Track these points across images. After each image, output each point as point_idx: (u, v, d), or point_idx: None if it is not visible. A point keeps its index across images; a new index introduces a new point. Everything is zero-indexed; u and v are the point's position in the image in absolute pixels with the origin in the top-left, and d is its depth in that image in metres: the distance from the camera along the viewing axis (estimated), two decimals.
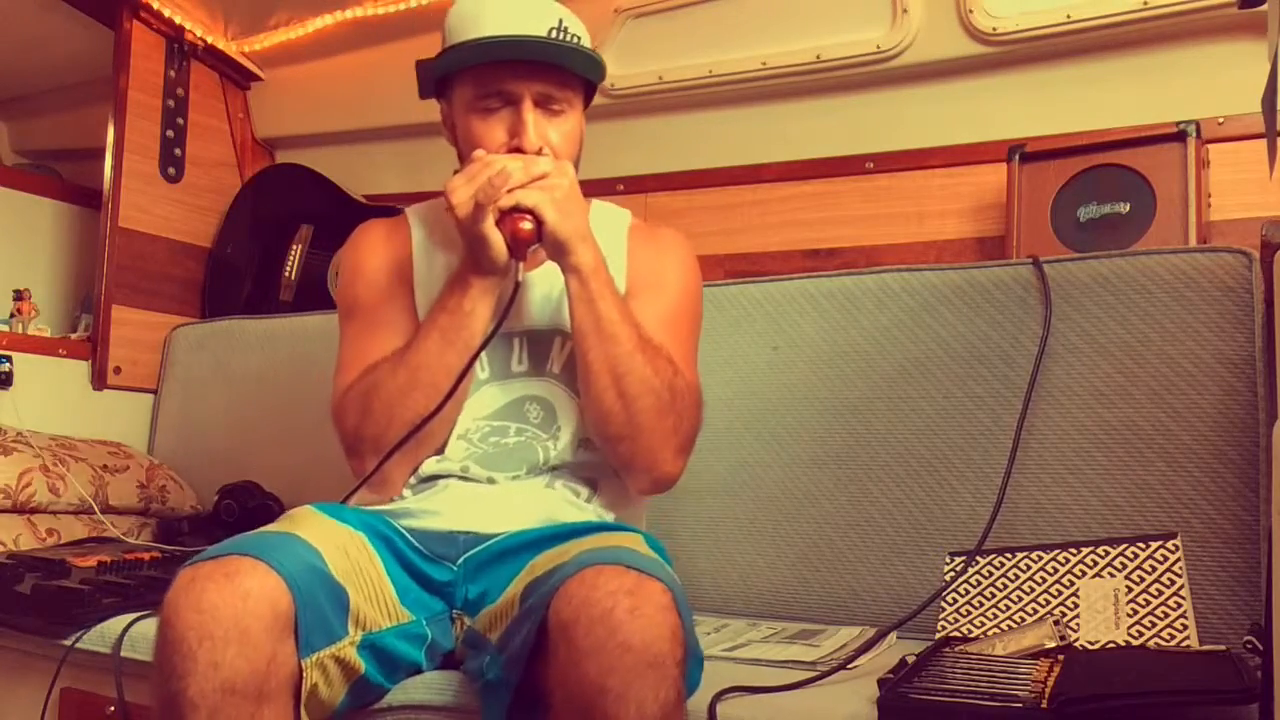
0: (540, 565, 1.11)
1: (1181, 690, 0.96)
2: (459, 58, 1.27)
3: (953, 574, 1.39)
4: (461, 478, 1.28)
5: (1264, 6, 1.02)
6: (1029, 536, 1.40)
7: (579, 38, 1.29)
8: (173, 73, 2.34)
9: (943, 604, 1.36)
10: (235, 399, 2.17)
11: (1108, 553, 1.32)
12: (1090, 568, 1.32)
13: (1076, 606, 1.28)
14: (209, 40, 2.39)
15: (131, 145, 2.24)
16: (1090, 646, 1.22)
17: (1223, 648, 1.16)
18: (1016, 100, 1.82)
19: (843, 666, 1.16)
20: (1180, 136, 1.60)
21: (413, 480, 1.30)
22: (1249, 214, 1.62)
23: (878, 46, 1.86)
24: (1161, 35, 1.69)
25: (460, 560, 1.21)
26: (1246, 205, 1.64)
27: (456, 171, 1.26)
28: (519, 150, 1.25)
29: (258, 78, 2.51)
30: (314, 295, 2.27)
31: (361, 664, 1.06)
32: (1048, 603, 1.30)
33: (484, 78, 1.26)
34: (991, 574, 1.37)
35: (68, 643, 1.37)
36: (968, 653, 1.17)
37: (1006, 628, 1.28)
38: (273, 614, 0.96)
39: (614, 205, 1.47)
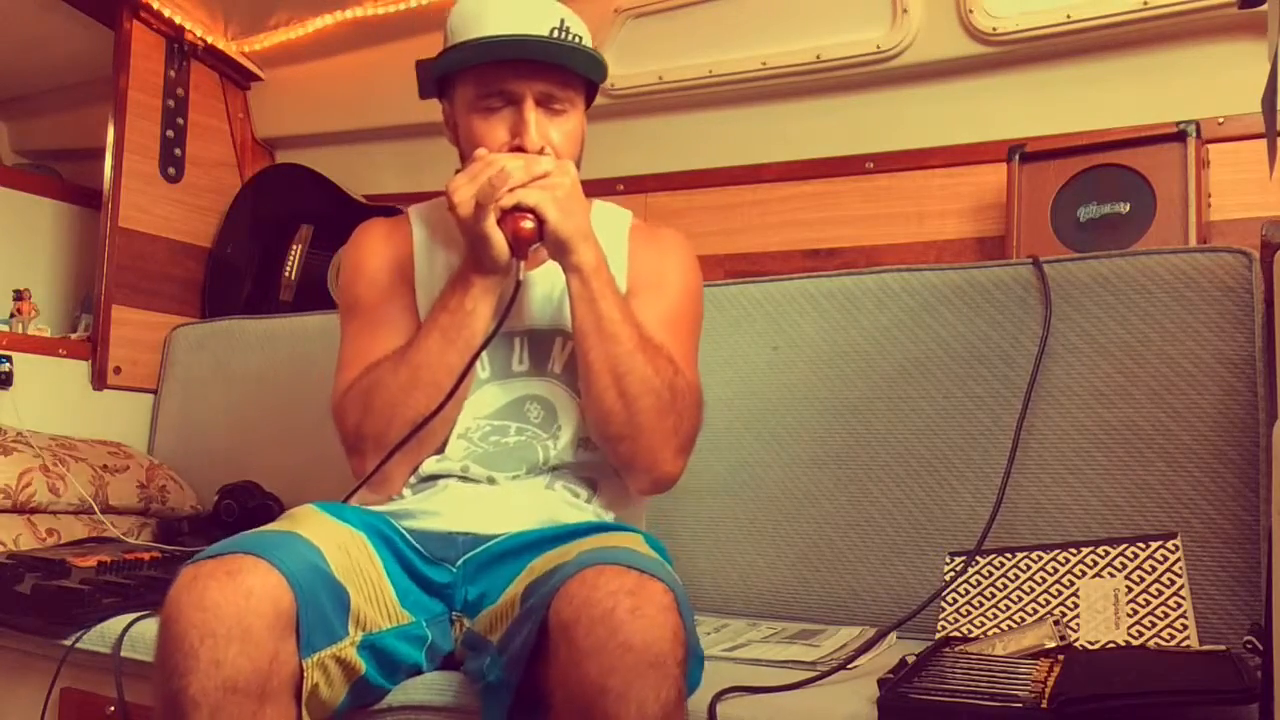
0: (540, 566, 1.11)
1: (1181, 690, 0.96)
2: (461, 57, 1.27)
3: (953, 574, 1.39)
4: (461, 477, 1.28)
5: (1264, 6, 1.02)
6: (1029, 536, 1.40)
7: (581, 37, 1.29)
8: (173, 73, 2.34)
9: (943, 604, 1.36)
10: (235, 399, 2.17)
11: (1108, 553, 1.32)
12: (1090, 568, 1.32)
13: (1076, 606, 1.28)
14: (209, 40, 2.39)
15: (131, 145, 2.24)
16: (1090, 646, 1.22)
17: (1223, 648, 1.16)
18: (1016, 100, 1.82)
19: (843, 666, 1.16)
20: (1180, 136, 1.60)
21: (412, 480, 1.30)
22: (1249, 214, 1.62)
23: (878, 46, 1.86)
24: (1161, 35, 1.69)
25: (460, 562, 1.21)
26: (1246, 205, 1.64)
27: (458, 171, 1.26)
28: (521, 150, 1.25)
29: (258, 78, 2.51)
30: (314, 295, 2.27)
31: (362, 664, 1.06)
32: (1048, 603, 1.30)
33: (486, 77, 1.26)
34: (991, 574, 1.37)
35: (68, 643, 1.37)
36: (968, 653, 1.17)
37: (1006, 628, 1.28)
38: (275, 613, 0.96)
39: (615, 205, 1.47)
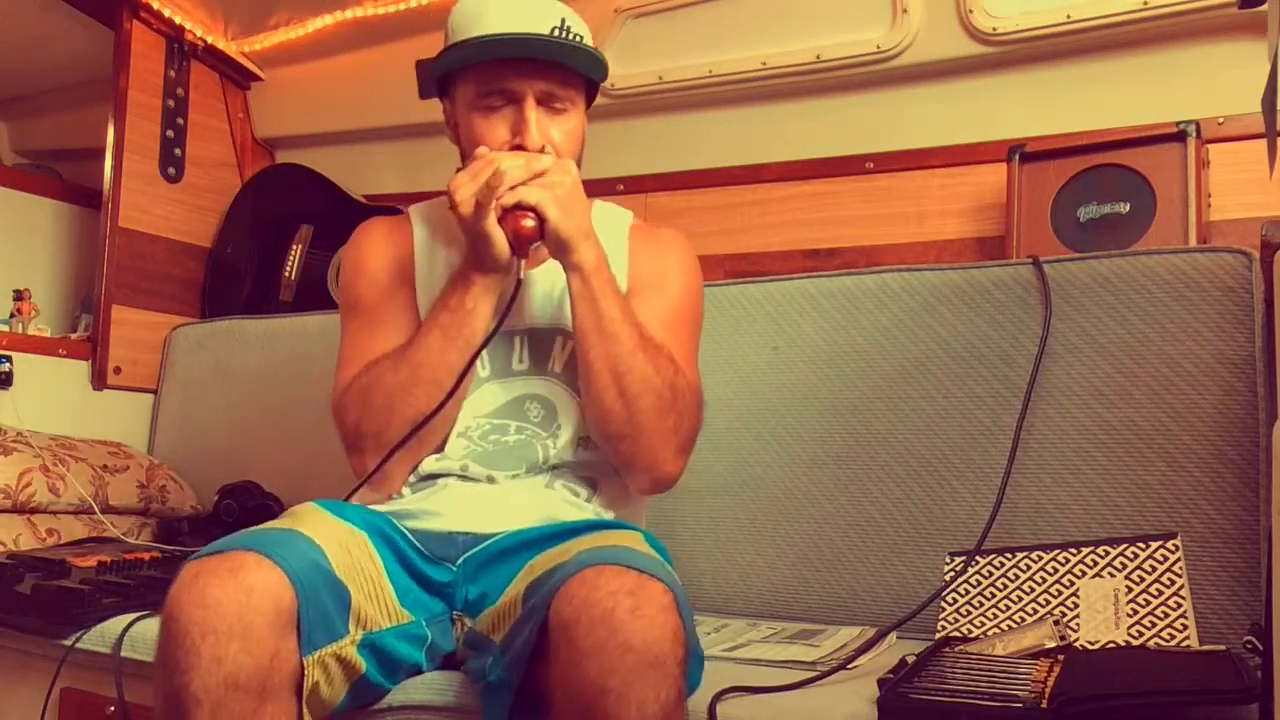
0: (541, 565, 1.11)
1: (1181, 690, 0.96)
2: (462, 55, 1.27)
3: (953, 574, 1.39)
4: (461, 476, 1.28)
5: (1264, 6, 1.02)
6: (1029, 536, 1.40)
7: (581, 37, 1.29)
8: (173, 73, 2.34)
9: (943, 604, 1.36)
10: (235, 399, 2.17)
11: (1108, 553, 1.32)
12: (1090, 568, 1.32)
13: (1076, 606, 1.28)
14: (209, 40, 2.39)
15: (131, 145, 2.24)
16: (1090, 646, 1.22)
17: (1223, 648, 1.16)
18: (1016, 100, 1.82)
19: (843, 666, 1.16)
20: (1180, 136, 1.60)
21: (412, 478, 1.30)
22: (1249, 214, 1.62)
23: (878, 46, 1.86)
24: (1161, 35, 1.69)
25: (460, 561, 1.21)
26: (1246, 205, 1.64)
27: (459, 169, 1.26)
28: (521, 148, 1.25)
29: (258, 78, 2.51)
30: (314, 295, 2.27)
31: (362, 663, 1.06)
32: (1048, 603, 1.30)
33: (487, 75, 1.27)
34: (991, 574, 1.37)
35: (68, 643, 1.37)
36: (968, 653, 1.17)
37: (1006, 628, 1.28)
38: (275, 610, 0.96)
39: (615, 205, 1.47)
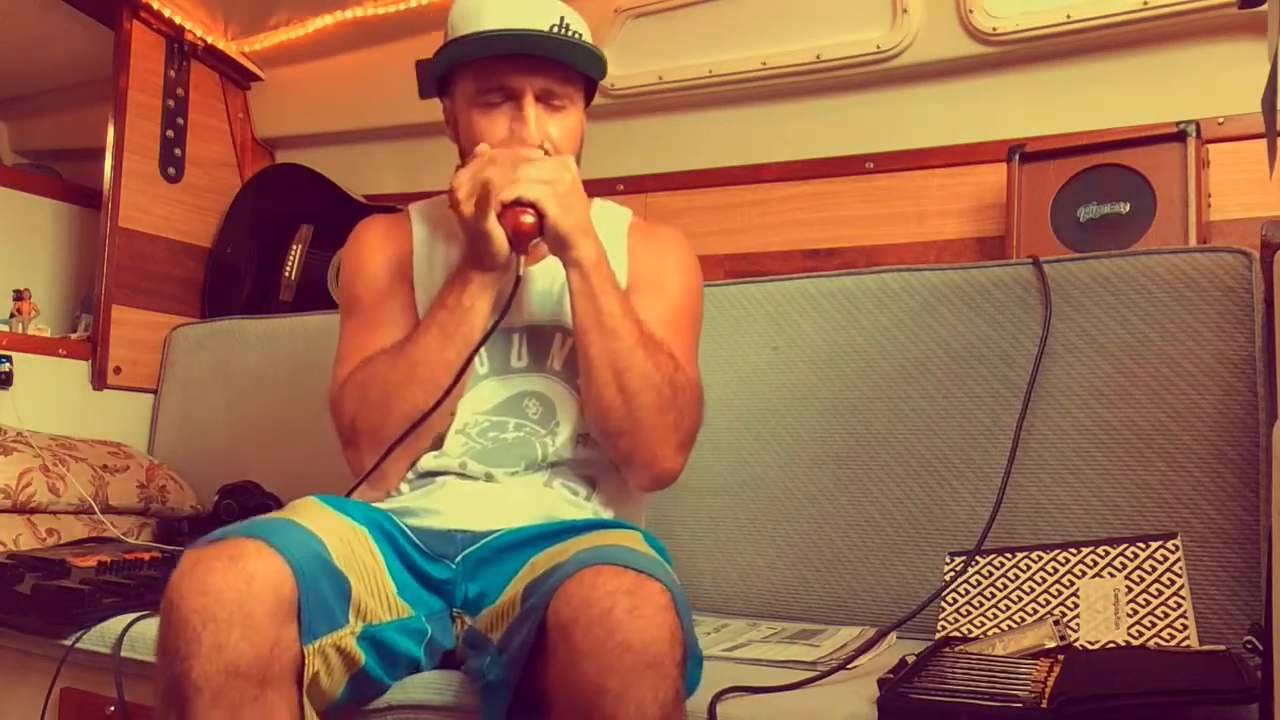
0: (540, 564, 1.11)
1: (1181, 690, 0.96)
2: (461, 51, 1.28)
3: (953, 574, 1.39)
4: (460, 474, 1.28)
5: (1264, 6, 1.02)
6: (1029, 536, 1.40)
7: (580, 34, 1.30)
8: (173, 73, 2.34)
9: (943, 604, 1.36)
10: (235, 399, 2.17)
11: (1108, 553, 1.32)
12: (1090, 568, 1.32)
13: (1076, 606, 1.28)
14: (209, 40, 2.39)
15: (131, 145, 2.24)
16: (1090, 646, 1.22)
17: (1223, 648, 1.16)
18: (1016, 100, 1.82)
19: (843, 666, 1.16)
20: (1180, 136, 1.60)
21: (410, 476, 1.30)
22: (1249, 214, 1.62)
23: (878, 46, 1.86)
24: (1161, 35, 1.69)
25: (458, 558, 1.21)
26: (1246, 205, 1.64)
27: (458, 167, 1.26)
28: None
29: (258, 78, 2.51)
30: (314, 295, 2.27)
31: (362, 655, 1.06)
32: (1048, 603, 1.30)
33: (485, 72, 1.27)
34: (991, 574, 1.37)
35: (68, 643, 1.37)
36: (968, 653, 1.17)
37: (1006, 628, 1.28)
38: (276, 598, 0.96)
39: (615, 204, 1.47)
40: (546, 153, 1.24)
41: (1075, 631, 1.24)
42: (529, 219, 1.18)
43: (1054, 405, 1.43)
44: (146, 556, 1.64)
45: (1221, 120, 1.65)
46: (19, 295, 2.18)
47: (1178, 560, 1.27)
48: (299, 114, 2.50)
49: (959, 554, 1.41)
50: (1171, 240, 1.58)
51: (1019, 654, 1.15)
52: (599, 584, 0.91)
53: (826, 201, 1.99)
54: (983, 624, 1.31)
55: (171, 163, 2.33)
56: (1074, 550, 1.34)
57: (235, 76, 2.49)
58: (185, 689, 0.93)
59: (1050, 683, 0.99)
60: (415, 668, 1.15)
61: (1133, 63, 1.72)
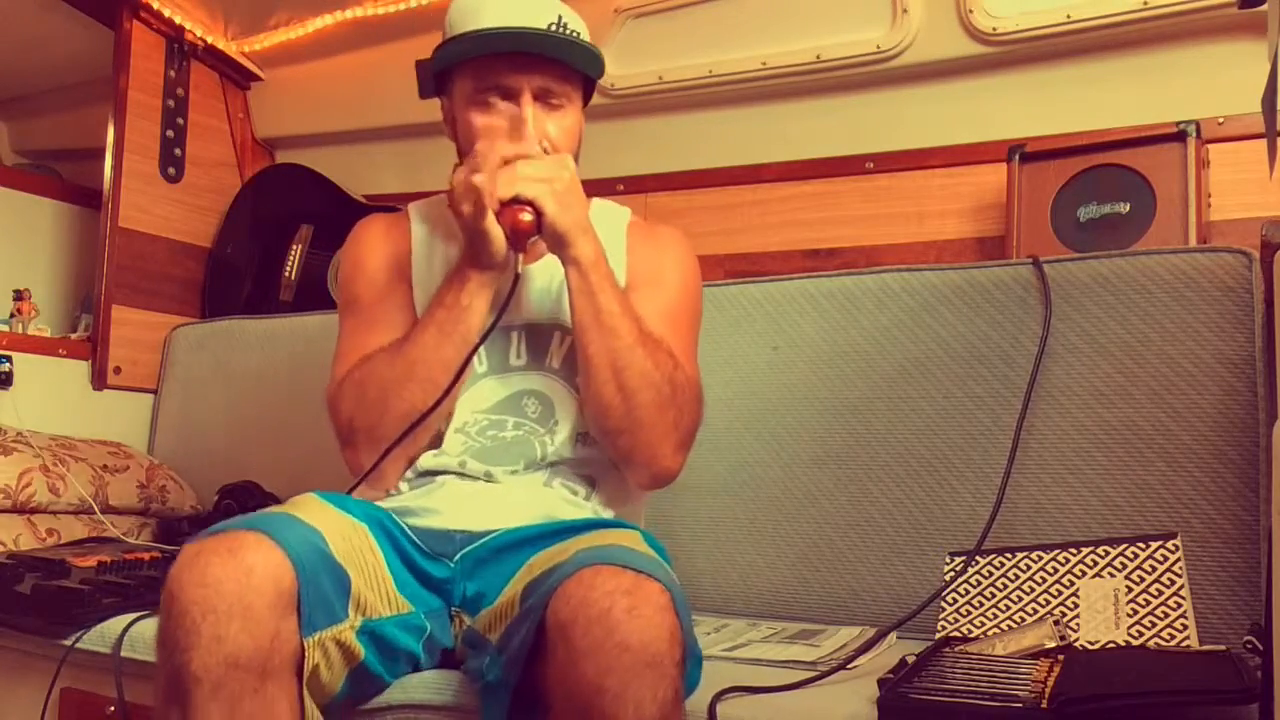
0: (539, 564, 1.11)
1: (1181, 690, 0.96)
2: (458, 49, 1.28)
3: (953, 574, 1.39)
4: (459, 473, 1.28)
5: (1264, 6, 1.02)
6: (1029, 536, 1.40)
7: (578, 33, 1.30)
8: (173, 73, 2.34)
9: (943, 604, 1.36)
10: (235, 399, 2.17)
11: (1108, 553, 1.32)
12: (1090, 568, 1.32)
13: (1076, 606, 1.28)
14: (209, 40, 2.39)
15: (131, 145, 2.24)
16: (1090, 646, 1.22)
17: (1223, 648, 1.16)
18: (1016, 100, 1.82)
19: (843, 666, 1.16)
20: (1180, 136, 1.60)
21: (410, 474, 1.30)
22: (1249, 214, 1.62)
23: (878, 46, 1.86)
24: (1161, 35, 1.69)
25: (457, 557, 1.21)
26: (1246, 205, 1.64)
27: (456, 166, 1.26)
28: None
29: (258, 78, 2.51)
30: (314, 295, 2.27)
31: (361, 649, 1.06)
32: (1048, 603, 1.30)
33: (483, 71, 1.27)
34: (991, 574, 1.37)
35: (68, 643, 1.37)
36: (968, 653, 1.17)
37: (1006, 628, 1.28)
38: (276, 590, 0.96)
39: (613, 203, 1.47)
40: (545, 151, 1.24)
41: (1075, 631, 1.24)
42: (527, 217, 1.19)
43: (1054, 405, 1.43)
44: (146, 556, 1.64)
45: (1221, 120, 1.65)
46: (19, 295, 2.19)
47: (1178, 560, 1.27)
48: (299, 114, 2.50)
49: (959, 554, 1.41)
50: (1171, 240, 1.58)
51: (1019, 654, 1.15)
52: (598, 584, 0.91)
53: (826, 201, 1.99)
54: (983, 624, 1.31)
55: (171, 163, 2.33)
56: (1074, 550, 1.34)
57: (235, 76, 2.49)
58: (185, 680, 0.93)
59: (1050, 683, 0.99)
60: (414, 665, 1.15)
61: (1133, 63, 1.72)
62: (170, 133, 2.33)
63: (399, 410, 1.23)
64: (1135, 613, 1.24)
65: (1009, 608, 1.32)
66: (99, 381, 2.19)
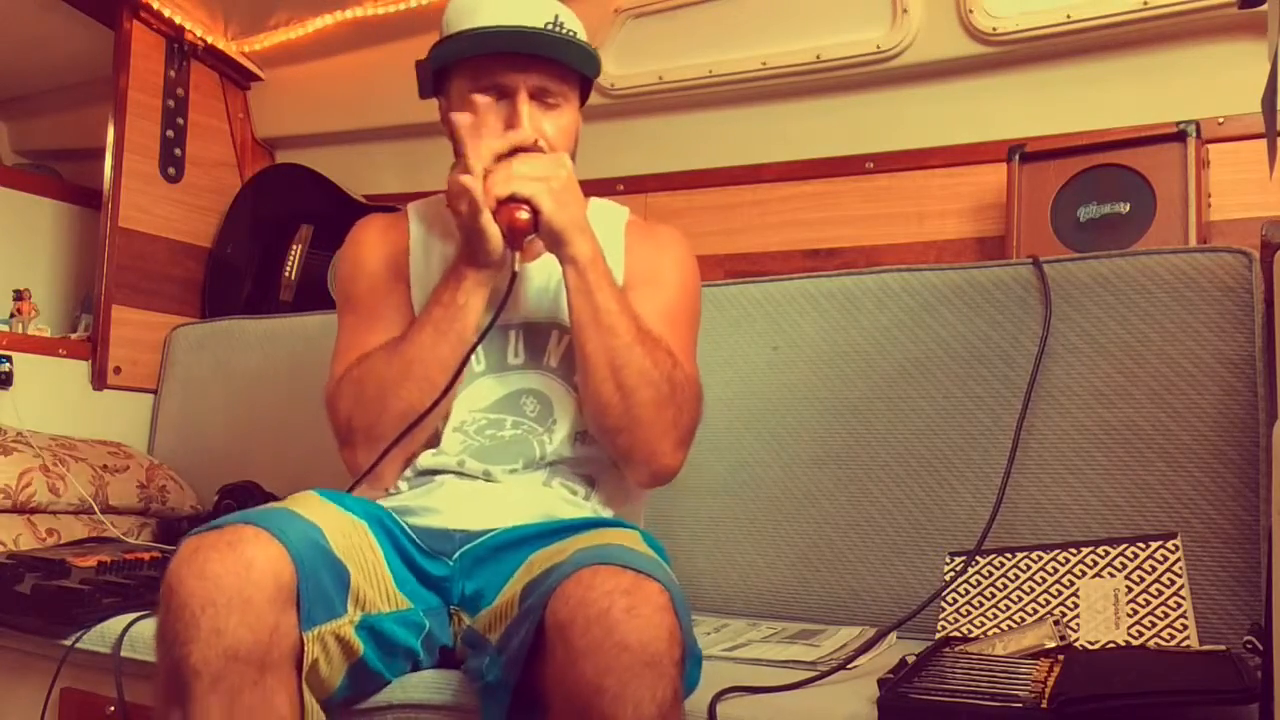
0: (538, 564, 1.11)
1: (1181, 690, 0.96)
2: (455, 48, 1.28)
3: (953, 574, 1.38)
4: (458, 473, 1.28)
5: (1264, 6, 1.02)
6: (1029, 536, 1.40)
7: (575, 32, 1.30)
8: (173, 73, 2.34)
9: (943, 604, 1.36)
10: (235, 399, 2.17)
11: (1108, 553, 1.32)
12: (1090, 568, 1.32)
13: (1076, 606, 1.28)
14: (209, 40, 2.39)
15: (131, 145, 2.24)
16: (1090, 646, 1.22)
17: (1223, 648, 1.16)
18: (1016, 100, 1.82)
19: (843, 666, 1.16)
20: (1180, 136, 1.60)
21: (409, 474, 1.30)
22: (1249, 214, 1.62)
23: (878, 46, 1.86)
24: (1161, 35, 1.69)
25: (456, 556, 1.21)
26: (1246, 205, 1.64)
27: (454, 165, 1.26)
28: (520, 148, 1.25)
29: (258, 78, 2.51)
30: (314, 295, 2.27)
31: (360, 645, 1.06)
32: (1048, 603, 1.30)
33: (479, 70, 1.27)
34: (991, 574, 1.37)
35: (68, 643, 1.37)
36: (968, 653, 1.17)
37: (1006, 628, 1.28)
38: (275, 584, 0.96)
39: (612, 202, 1.47)
40: (541, 148, 1.24)
41: (1075, 631, 1.24)
42: (524, 215, 1.19)
43: (1054, 405, 1.43)
44: (146, 556, 1.64)
45: (1221, 120, 1.65)
46: (19, 295, 2.19)
47: (1178, 560, 1.27)
48: (299, 114, 2.50)
49: (959, 554, 1.41)
50: (1171, 240, 1.58)
51: (1019, 654, 1.15)
52: (597, 584, 0.91)
53: (826, 201, 1.99)
54: (983, 624, 1.31)
55: (171, 163, 2.33)
56: (1074, 550, 1.34)
57: (235, 76, 2.49)
58: (185, 673, 0.93)
59: (1050, 683, 0.99)
60: (414, 662, 1.15)
61: (1133, 63, 1.72)
62: (170, 133, 2.33)
63: (396, 409, 1.23)
64: (1135, 613, 1.24)
65: (1009, 608, 1.32)
66: (99, 381, 2.19)
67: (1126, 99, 1.73)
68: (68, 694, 1.42)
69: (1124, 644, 1.21)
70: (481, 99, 1.25)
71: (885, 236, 1.93)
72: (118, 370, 2.22)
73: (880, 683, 1.02)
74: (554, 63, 1.27)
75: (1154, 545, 1.30)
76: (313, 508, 1.09)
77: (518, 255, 1.21)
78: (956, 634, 1.31)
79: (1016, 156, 1.73)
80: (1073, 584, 1.31)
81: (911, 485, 1.50)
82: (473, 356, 1.26)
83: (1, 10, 2.30)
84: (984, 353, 1.48)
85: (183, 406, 2.25)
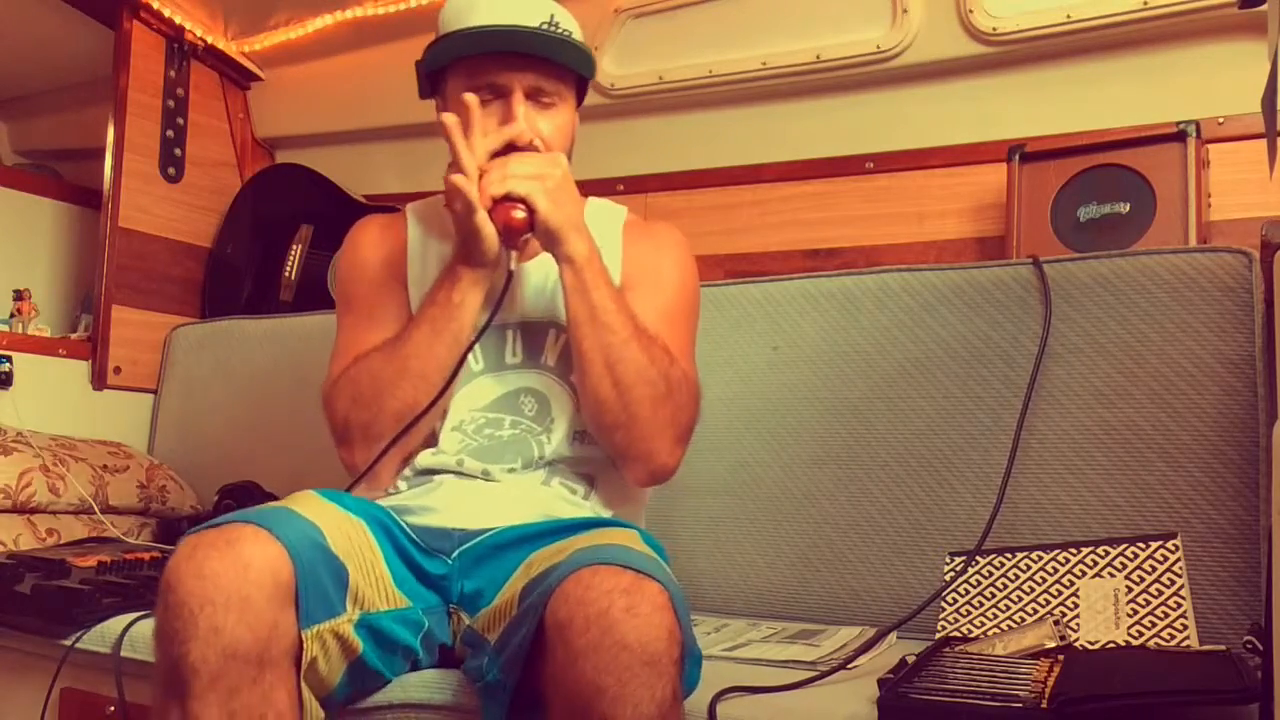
0: (537, 563, 1.11)
1: (1181, 690, 0.96)
2: (449, 47, 1.28)
3: (953, 574, 1.39)
4: (457, 472, 1.28)
5: (1264, 6, 1.02)
6: (1029, 536, 1.40)
7: (570, 32, 1.30)
8: (173, 73, 2.34)
9: (943, 604, 1.36)
10: (235, 399, 2.17)
11: (1108, 553, 1.32)
12: (1090, 568, 1.32)
13: (1076, 606, 1.28)
14: (209, 40, 2.39)
15: (131, 145, 2.24)
16: (1090, 646, 1.22)
17: (1223, 648, 1.16)
18: (1016, 100, 1.82)
19: (843, 666, 1.16)
20: (1180, 136, 1.60)
21: (408, 473, 1.30)
22: (1249, 214, 1.62)
23: (878, 46, 1.86)
24: (1161, 35, 1.69)
25: (455, 554, 1.21)
26: (1246, 205, 1.64)
27: (450, 165, 1.26)
28: (513, 146, 1.25)
29: (258, 78, 2.51)
30: (314, 295, 2.27)
31: (360, 643, 1.06)
32: (1048, 603, 1.30)
33: (475, 69, 1.27)
34: (991, 574, 1.37)
35: (68, 643, 1.37)
36: (968, 653, 1.17)
37: (1006, 628, 1.28)
38: (274, 583, 0.96)
39: (611, 202, 1.47)
40: (536, 148, 1.25)
41: (1075, 631, 1.24)
42: (519, 214, 1.19)
43: (1054, 405, 1.43)
44: (146, 556, 1.64)
45: (1221, 120, 1.65)
46: (19, 295, 2.19)
47: (1178, 560, 1.27)
48: (299, 114, 2.50)
49: (959, 554, 1.41)
50: (1171, 240, 1.58)
51: (1019, 654, 1.15)
52: (596, 583, 0.91)
53: (826, 201, 1.99)
54: (983, 624, 1.31)
55: (171, 163, 2.33)
56: (1074, 550, 1.34)
57: (235, 76, 2.49)
58: (183, 671, 0.93)
59: (1050, 683, 0.99)
60: (413, 660, 1.15)
61: (1133, 63, 1.72)
62: (170, 133, 2.33)
63: (393, 408, 1.23)
64: (1135, 613, 1.24)
65: (1009, 608, 1.32)
66: (99, 381, 2.19)
67: (1126, 99, 1.73)
68: (68, 694, 1.42)
69: (1124, 644, 1.21)
70: (469, 96, 1.24)
71: (885, 236, 1.93)
72: (118, 370, 2.22)
73: (880, 683, 1.02)
74: (549, 62, 1.27)
75: (1154, 545, 1.30)
76: (312, 507, 1.09)
77: (514, 254, 1.21)
78: (956, 634, 1.31)
79: (1016, 156, 1.73)
80: (1073, 584, 1.31)
81: (911, 485, 1.50)
82: (471, 355, 1.26)
83: (1, 10, 2.30)
84: (984, 353, 1.48)
85: (183, 406, 2.25)
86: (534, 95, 1.27)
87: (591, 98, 1.40)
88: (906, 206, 1.92)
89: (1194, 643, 1.19)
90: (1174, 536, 1.30)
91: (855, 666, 1.18)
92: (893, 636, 1.35)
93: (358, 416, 1.26)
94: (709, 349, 1.61)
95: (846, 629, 1.42)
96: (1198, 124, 1.61)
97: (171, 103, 2.33)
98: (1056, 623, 1.22)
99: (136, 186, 2.25)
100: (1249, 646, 1.04)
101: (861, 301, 1.59)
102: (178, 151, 2.35)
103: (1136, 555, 1.30)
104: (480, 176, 1.21)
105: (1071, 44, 1.74)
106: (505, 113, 1.26)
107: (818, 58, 1.91)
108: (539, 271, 1.34)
